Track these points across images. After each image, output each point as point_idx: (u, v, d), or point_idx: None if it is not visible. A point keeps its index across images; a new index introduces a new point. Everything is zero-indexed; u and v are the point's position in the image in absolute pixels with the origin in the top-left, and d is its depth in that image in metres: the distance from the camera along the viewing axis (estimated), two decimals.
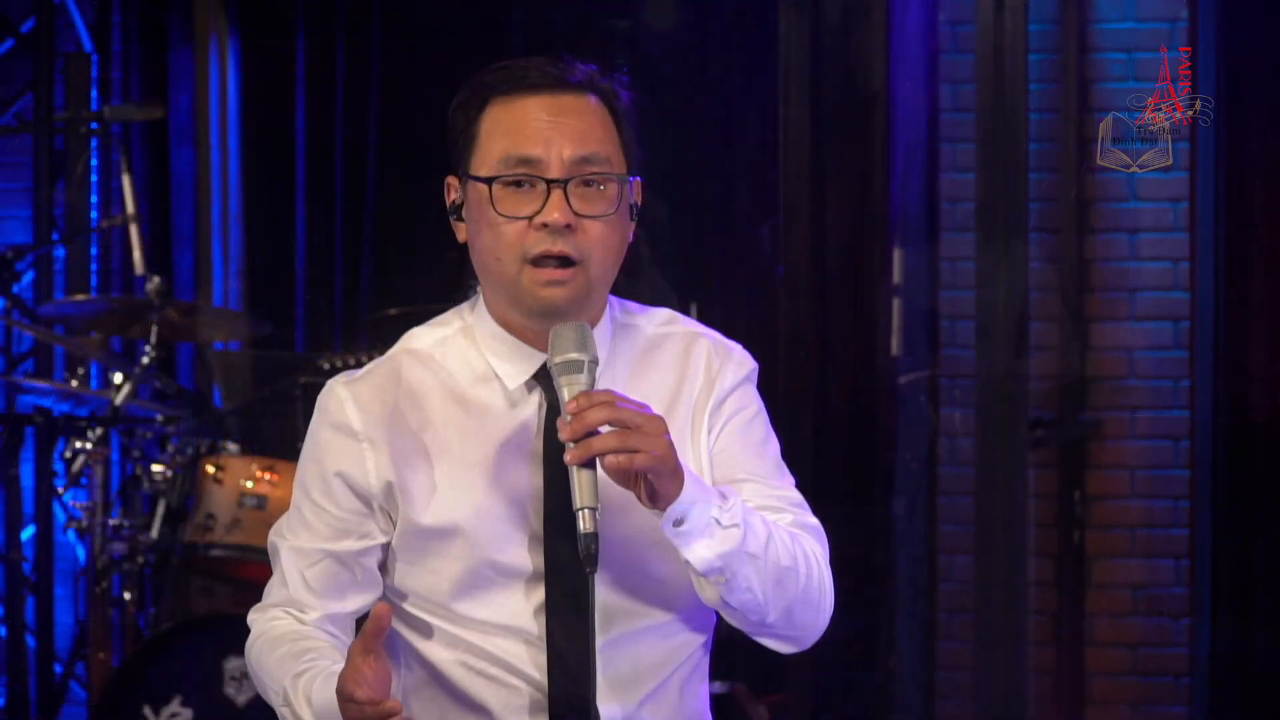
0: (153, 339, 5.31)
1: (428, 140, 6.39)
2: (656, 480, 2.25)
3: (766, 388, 2.56)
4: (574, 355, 2.28)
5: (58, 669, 5.99)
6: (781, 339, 4.77)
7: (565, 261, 2.36)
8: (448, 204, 2.44)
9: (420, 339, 2.50)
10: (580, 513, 2.23)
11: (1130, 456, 5.71)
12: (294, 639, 2.43)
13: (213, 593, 5.39)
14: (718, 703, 5.38)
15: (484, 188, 2.37)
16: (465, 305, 2.51)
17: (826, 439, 5.14)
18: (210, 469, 5.19)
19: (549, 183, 2.35)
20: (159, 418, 5.34)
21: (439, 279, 6.32)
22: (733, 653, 5.35)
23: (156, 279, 5.34)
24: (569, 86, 2.39)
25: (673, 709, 2.47)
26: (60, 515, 5.97)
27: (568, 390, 2.27)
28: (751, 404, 2.51)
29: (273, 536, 2.49)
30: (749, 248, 6.09)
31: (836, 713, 5.22)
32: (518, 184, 2.37)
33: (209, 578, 5.37)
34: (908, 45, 5.49)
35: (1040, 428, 5.48)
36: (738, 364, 2.51)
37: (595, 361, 2.29)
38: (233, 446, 5.27)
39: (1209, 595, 5.61)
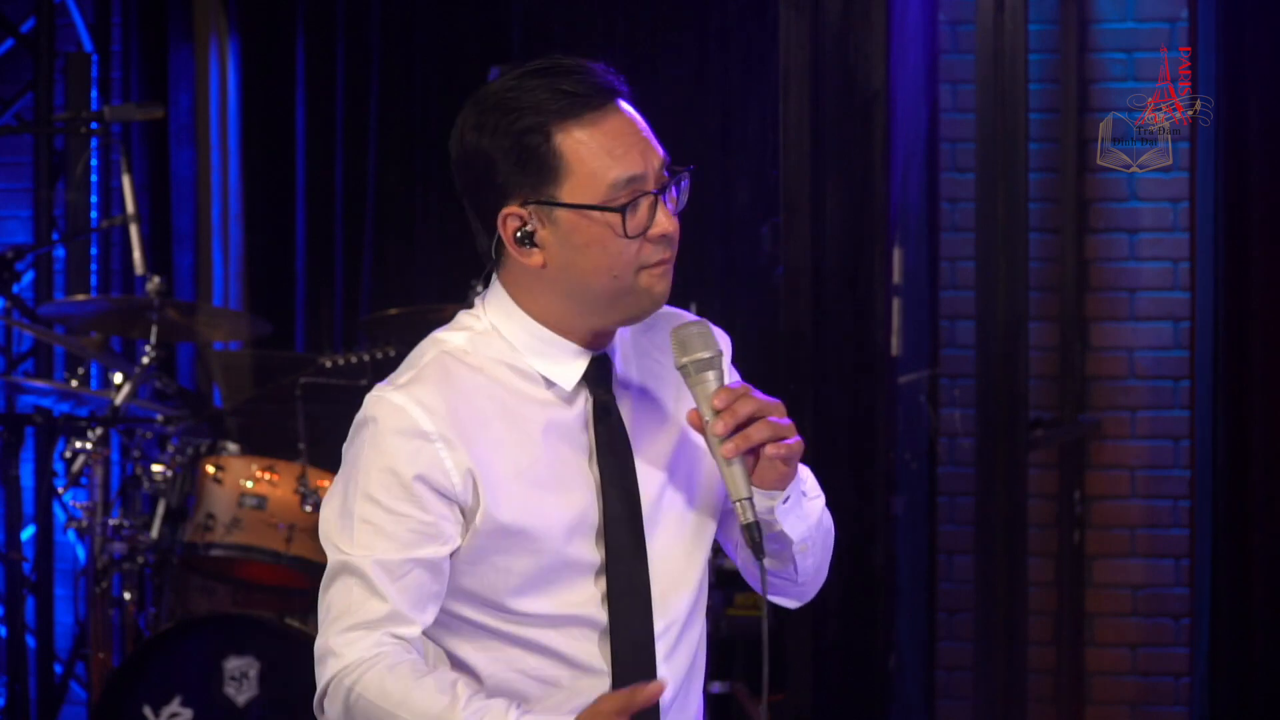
0: (153, 339, 5.31)
1: (428, 140, 6.40)
2: (792, 463, 2.36)
3: (766, 387, 2.58)
4: (704, 354, 2.36)
5: (58, 669, 6.00)
6: (781, 339, 4.77)
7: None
8: (509, 234, 2.39)
9: (452, 339, 2.46)
10: (741, 503, 2.32)
11: (1130, 456, 5.71)
12: (432, 673, 2.35)
13: (213, 593, 5.39)
14: (719, 702, 5.38)
15: (596, 214, 2.36)
16: (475, 311, 2.50)
17: (826, 439, 5.14)
18: (210, 469, 5.19)
19: (655, 195, 2.38)
20: (159, 418, 5.34)
21: (439, 279, 6.32)
22: (733, 653, 5.35)
23: (156, 279, 5.34)
24: (620, 94, 2.41)
25: (696, 703, 2.52)
26: (60, 515, 5.97)
27: (708, 386, 2.35)
28: (738, 376, 2.57)
29: (341, 556, 2.38)
30: (749, 248, 6.09)
31: (836, 713, 5.22)
32: (624, 210, 2.37)
33: (209, 578, 5.37)
34: (908, 45, 5.48)
35: (1040, 428, 5.48)
36: (722, 340, 2.56)
37: (720, 355, 2.38)
38: (233, 446, 5.27)
39: (1209, 595, 5.61)
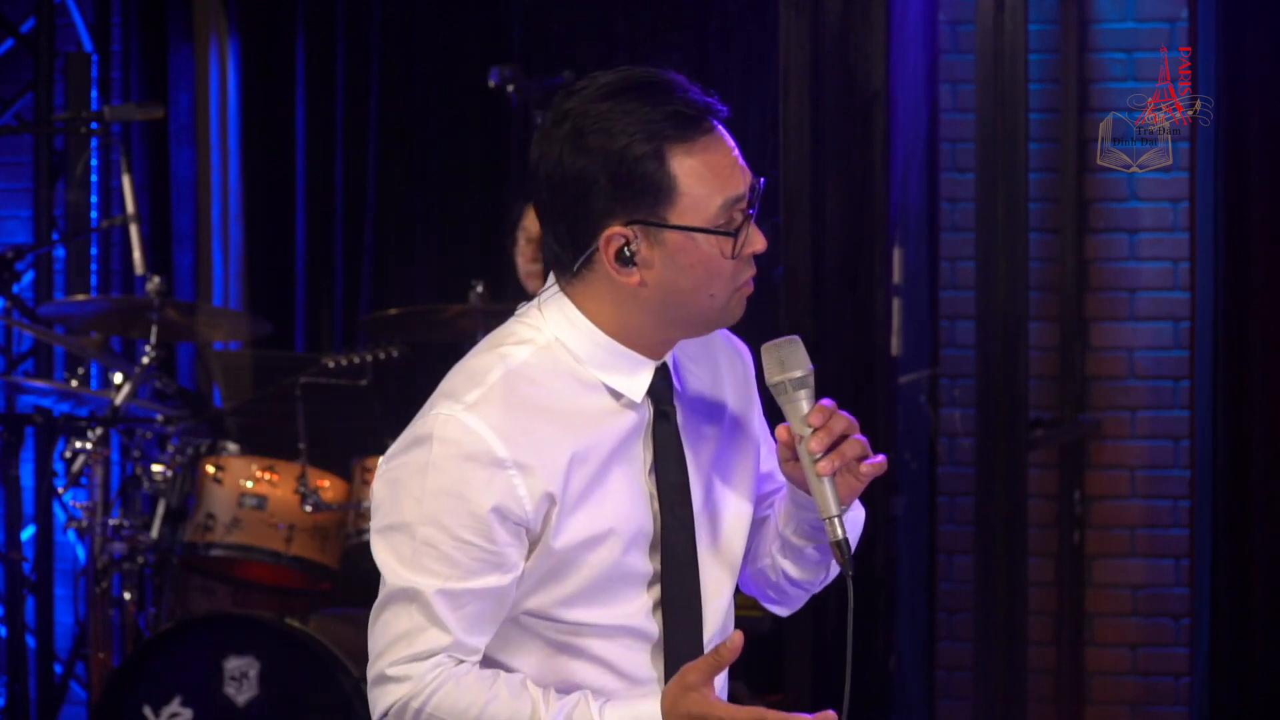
0: (153, 339, 5.31)
1: (427, 140, 6.40)
2: (869, 480, 2.41)
3: (766, 388, 2.60)
4: (798, 372, 2.38)
5: (58, 669, 6.00)
6: None
7: None
8: (610, 253, 2.36)
9: (517, 354, 2.41)
10: (830, 520, 2.36)
11: (1130, 456, 5.71)
12: (498, 680, 2.36)
13: (213, 593, 5.39)
14: None
15: (704, 237, 2.36)
16: (530, 320, 2.44)
17: None
18: (210, 469, 5.19)
19: (748, 215, 2.39)
20: (159, 418, 5.34)
21: (439, 279, 6.33)
22: None
23: (156, 279, 5.34)
24: (719, 114, 2.40)
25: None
26: (60, 515, 5.97)
27: (801, 404, 2.38)
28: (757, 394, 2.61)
29: (401, 581, 2.35)
30: None
31: (836, 713, 5.22)
32: (735, 232, 2.38)
33: (209, 578, 5.37)
34: (908, 45, 5.48)
35: (1040, 428, 5.48)
36: (745, 349, 2.59)
37: (812, 373, 2.40)
38: (233, 446, 5.27)
39: (1209, 595, 5.61)
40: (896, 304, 5.60)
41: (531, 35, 6.29)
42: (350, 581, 5.37)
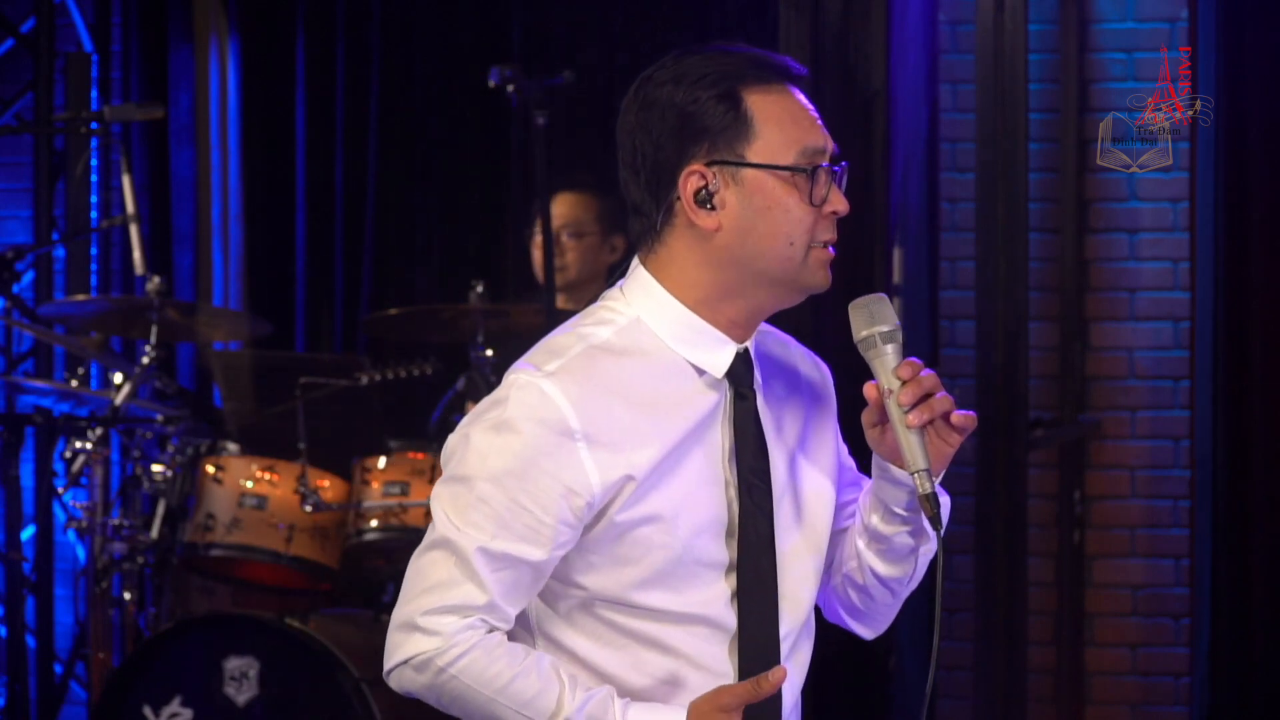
0: (153, 339, 5.30)
1: (428, 140, 6.40)
2: (957, 440, 2.40)
3: (842, 397, 2.61)
4: (886, 326, 2.40)
5: (58, 669, 5.99)
6: None
7: None
8: (689, 193, 2.38)
9: (598, 334, 2.41)
10: (919, 474, 2.34)
11: (1130, 456, 5.71)
12: (529, 655, 2.35)
13: (213, 593, 5.39)
14: None
15: (782, 175, 2.37)
16: (611, 302, 2.45)
17: None
18: (210, 469, 5.19)
19: (832, 173, 2.40)
20: (159, 418, 5.34)
21: (439, 279, 6.33)
22: None
23: (156, 279, 5.34)
24: (798, 72, 2.44)
25: (797, 701, 2.50)
26: (60, 515, 5.97)
27: (889, 358, 2.39)
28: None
29: (447, 530, 2.34)
30: None
31: (836, 713, 5.22)
32: (812, 174, 2.39)
33: (209, 578, 5.37)
34: (908, 45, 5.48)
35: (1040, 428, 5.48)
36: (825, 366, 2.60)
37: (899, 328, 2.41)
38: (233, 446, 5.27)
39: (1209, 595, 5.61)
40: (897, 304, 5.60)
41: (531, 35, 6.29)
42: (350, 581, 5.37)
